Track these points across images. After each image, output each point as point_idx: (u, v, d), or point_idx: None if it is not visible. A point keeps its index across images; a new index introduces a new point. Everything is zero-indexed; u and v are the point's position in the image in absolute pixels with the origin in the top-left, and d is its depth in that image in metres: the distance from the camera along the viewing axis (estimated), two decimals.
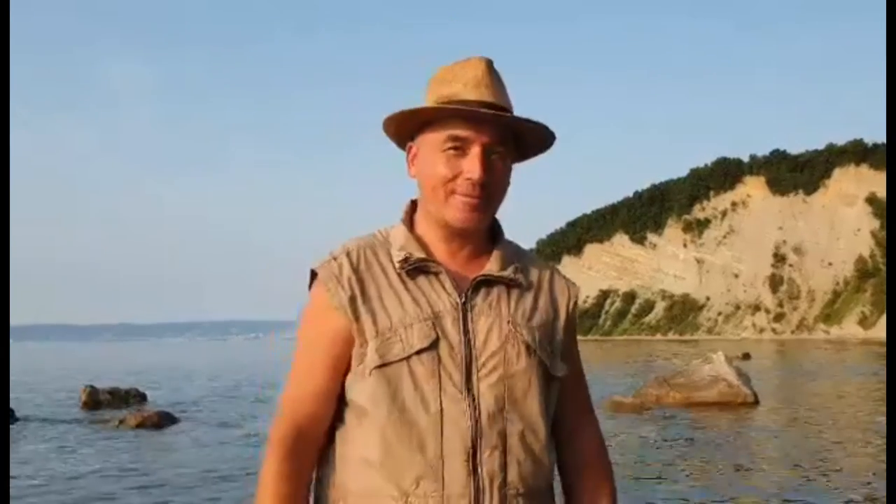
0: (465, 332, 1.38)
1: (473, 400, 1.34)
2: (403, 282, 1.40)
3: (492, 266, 1.44)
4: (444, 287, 1.41)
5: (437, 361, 1.35)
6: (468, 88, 1.39)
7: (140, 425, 15.26)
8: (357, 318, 1.37)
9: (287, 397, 1.42)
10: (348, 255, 1.42)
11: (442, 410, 1.33)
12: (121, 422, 15.57)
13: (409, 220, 1.48)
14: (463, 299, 1.40)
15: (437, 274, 1.41)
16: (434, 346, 1.35)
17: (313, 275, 1.44)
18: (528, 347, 1.42)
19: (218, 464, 11.08)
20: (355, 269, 1.40)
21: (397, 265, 1.41)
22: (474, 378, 1.36)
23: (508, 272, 1.45)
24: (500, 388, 1.37)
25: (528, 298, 1.47)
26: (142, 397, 20.78)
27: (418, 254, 1.41)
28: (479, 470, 1.33)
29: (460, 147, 1.38)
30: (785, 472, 10.02)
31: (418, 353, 1.34)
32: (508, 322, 1.42)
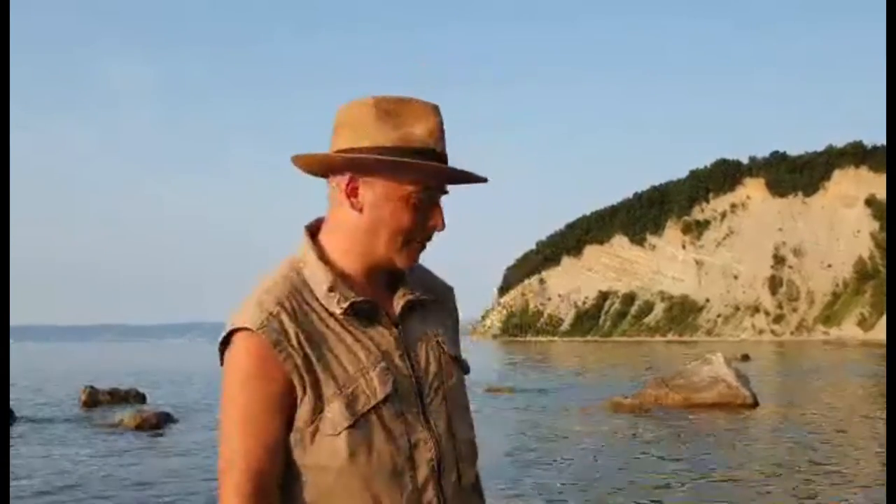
0: (409, 362, 1.37)
1: (430, 424, 1.36)
2: (344, 327, 1.34)
3: (413, 289, 1.43)
4: (381, 323, 1.37)
5: (399, 401, 1.33)
6: (434, 139, 1.35)
7: (139, 426, 15.28)
8: (315, 380, 1.29)
9: (240, 451, 1.30)
10: (284, 308, 1.31)
11: (411, 446, 1.33)
12: (120, 422, 15.59)
13: (322, 254, 1.39)
14: (398, 331, 1.38)
15: (373, 310, 1.37)
16: (394, 387, 1.32)
17: (232, 332, 1.32)
18: (454, 359, 1.44)
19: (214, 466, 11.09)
20: (298, 324, 1.31)
21: (338, 311, 1.34)
22: (426, 403, 1.37)
23: (423, 292, 1.44)
24: (445, 406, 1.39)
25: (435, 309, 1.47)
26: (141, 398, 20.82)
27: (355, 296, 1.34)
28: (444, 488, 1.36)
29: (426, 199, 1.35)
30: (783, 475, 10.04)
31: (383, 400, 1.31)
32: (436, 341, 1.42)
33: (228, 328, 1.33)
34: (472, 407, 1.50)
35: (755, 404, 17.86)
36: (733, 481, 9.69)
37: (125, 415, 16.12)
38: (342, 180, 1.35)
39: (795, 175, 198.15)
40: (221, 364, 1.35)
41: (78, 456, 11.91)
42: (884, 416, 17.55)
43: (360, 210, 1.35)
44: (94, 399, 19.67)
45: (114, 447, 12.76)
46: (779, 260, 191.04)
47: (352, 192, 1.35)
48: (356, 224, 1.36)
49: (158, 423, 15.78)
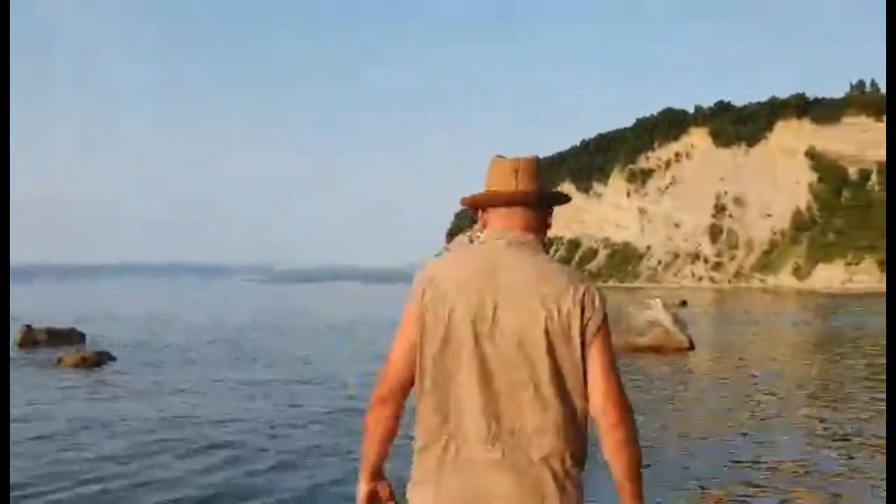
0: None
1: None
2: None
3: None
4: None
5: None
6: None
7: (78, 364, 15.08)
8: None
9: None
10: None
11: None
12: (59, 361, 15.37)
13: None
14: None
15: None
16: None
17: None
18: None
19: (154, 404, 11.09)
20: None
21: None
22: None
23: None
24: None
25: None
26: (80, 337, 20.45)
27: None
28: None
29: None
30: (713, 418, 10.38)
31: None
32: None
33: (588, 287, 1.95)
34: None
35: (691, 348, 18.38)
36: (663, 423, 10.00)
37: (63, 354, 15.88)
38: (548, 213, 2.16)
39: (739, 126, 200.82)
40: (595, 308, 1.91)
41: (14, 395, 11.72)
42: (813, 359, 18.27)
43: None
44: (30, 339, 19.23)
45: (53, 386, 12.59)
46: (720, 209, 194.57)
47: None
48: None
49: (98, 361, 15.60)
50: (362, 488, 2.08)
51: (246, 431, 8.96)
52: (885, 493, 6.27)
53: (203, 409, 10.57)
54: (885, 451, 7.86)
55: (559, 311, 1.88)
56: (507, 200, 2.03)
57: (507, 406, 1.86)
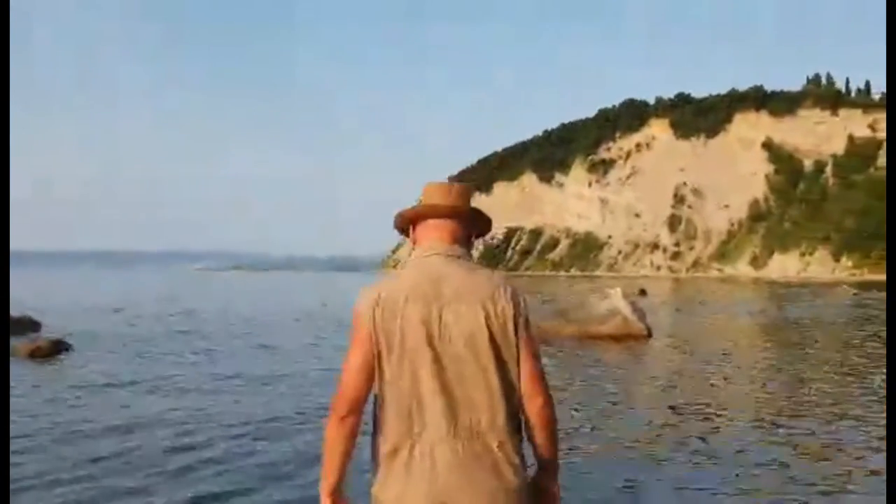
0: None
1: None
2: None
3: None
4: None
5: None
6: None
7: (32, 354, 14.78)
8: None
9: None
10: None
11: None
12: (11, 350, 15.02)
13: None
14: None
15: None
16: None
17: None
18: None
19: (113, 392, 10.94)
20: None
21: None
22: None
23: None
24: None
25: None
26: (34, 325, 20.05)
27: None
28: None
29: None
30: (668, 404, 10.53)
31: None
32: None
33: (515, 288, 2.26)
34: None
35: (649, 336, 18.64)
36: (616, 410, 10.14)
37: (17, 343, 15.56)
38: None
39: (699, 117, 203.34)
40: (522, 306, 2.24)
41: None
42: (768, 347, 18.63)
43: None
44: None
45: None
46: (679, 199, 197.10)
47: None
48: None
49: (53, 350, 15.31)
50: (324, 497, 2.23)
51: (216, 430, 8.56)
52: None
53: (170, 405, 10.37)
54: (835, 423, 8.07)
55: (496, 310, 2.17)
56: (444, 211, 2.32)
57: (462, 398, 2.13)
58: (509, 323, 2.17)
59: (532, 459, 2.30)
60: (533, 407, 2.19)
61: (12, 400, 9.99)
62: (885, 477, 5.94)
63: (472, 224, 2.39)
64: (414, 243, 2.38)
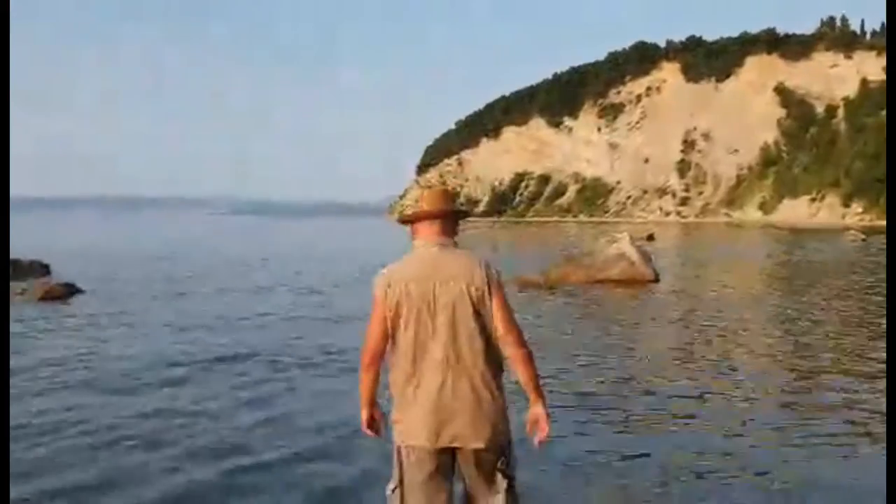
0: None
1: None
2: None
3: None
4: None
5: None
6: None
7: (43, 297, 14.93)
8: None
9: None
10: None
11: None
12: (23, 292, 15.18)
13: None
14: None
15: None
16: None
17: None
18: None
19: (120, 336, 11.06)
20: None
21: None
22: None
23: None
24: None
25: None
26: (45, 269, 20.18)
27: None
28: None
29: None
30: (672, 348, 10.60)
31: None
32: None
33: (489, 265, 3.09)
34: None
35: (656, 281, 18.67)
36: (621, 353, 10.22)
37: (29, 285, 15.69)
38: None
39: (710, 60, 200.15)
40: (494, 275, 3.06)
41: None
42: (775, 292, 18.67)
43: None
44: None
45: (17, 318, 12.47)
46: (689, 144, 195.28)
47: None
48: None
49: (65, 294, 15.46)
50: (363, 413, 3.16)
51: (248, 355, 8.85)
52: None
53: (189, 344, 10.50)
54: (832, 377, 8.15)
55: (476, 284, 3.00)
56: (436, 213, 3.18)
57: (452, 349, 2.97)
58: (485, 288, 3.01)
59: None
60: (508, 345, 3.01)
61: (26, 340, 10.15)
62: (884, 446, 5.99)
63: (455, 219, 3.27)
64: (414, 234, 3.20)
